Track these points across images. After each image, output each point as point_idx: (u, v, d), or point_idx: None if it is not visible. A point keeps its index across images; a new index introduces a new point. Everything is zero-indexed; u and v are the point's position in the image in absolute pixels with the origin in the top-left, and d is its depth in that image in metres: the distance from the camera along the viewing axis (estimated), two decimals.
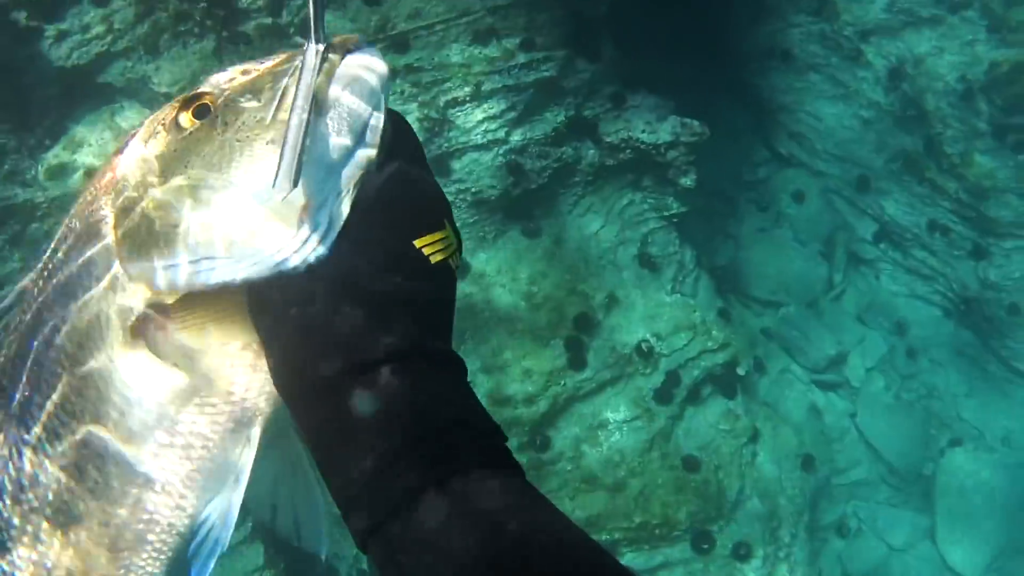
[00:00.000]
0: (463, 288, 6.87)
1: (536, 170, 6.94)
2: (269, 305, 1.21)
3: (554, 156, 6.98)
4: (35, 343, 1.42)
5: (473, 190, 6.78)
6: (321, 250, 1.19)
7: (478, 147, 6.73)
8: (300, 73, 1.23)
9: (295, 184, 1.16)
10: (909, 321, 9.26)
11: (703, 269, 7.93)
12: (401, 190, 1.26)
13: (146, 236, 1.29)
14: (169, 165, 1.31)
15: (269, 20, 6.13)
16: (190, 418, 1.35)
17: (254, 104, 1.29)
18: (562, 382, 6.72)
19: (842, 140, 9.19)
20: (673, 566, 6.96)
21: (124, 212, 1.33)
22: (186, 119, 1.34)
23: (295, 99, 1.20)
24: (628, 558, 6.71)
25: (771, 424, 7.69)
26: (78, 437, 1.38)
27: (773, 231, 9.20)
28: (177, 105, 1.36)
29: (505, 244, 7.05)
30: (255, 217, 1.21)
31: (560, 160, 7.01)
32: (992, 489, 8.75)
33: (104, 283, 1.35)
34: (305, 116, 1.19)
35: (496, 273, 6.92)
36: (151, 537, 1.40)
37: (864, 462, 8.66)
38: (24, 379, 1.42)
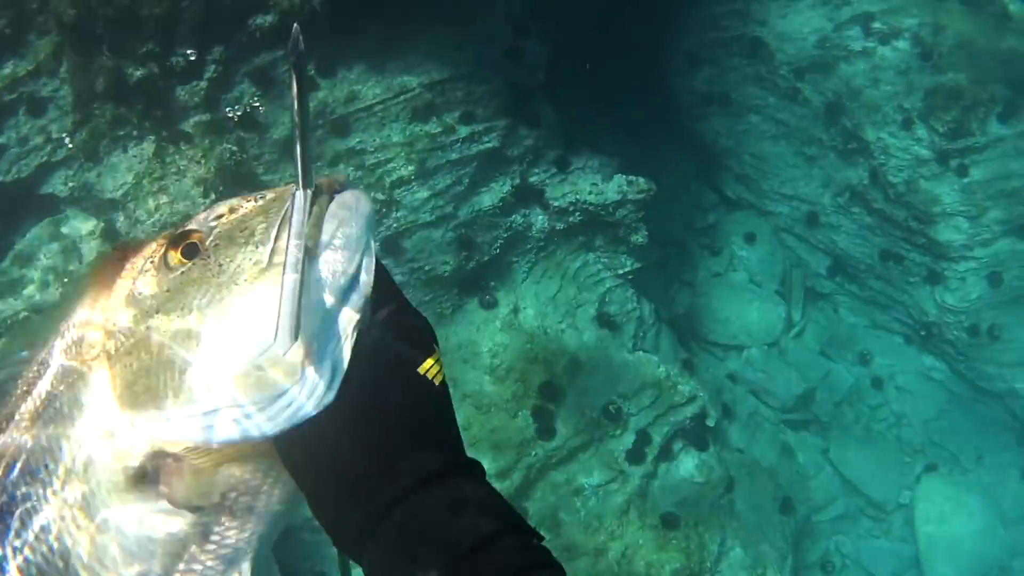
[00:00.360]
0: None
1: (487, 241, 6.95)
2: (300, 460, 1.24)
3: (504, 226, 7.00)
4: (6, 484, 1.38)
5: (426, 268, 6.75)
6: (329, 397, 1.20)
7: (427, 224, 6.71)
8: (291, 220, 1.23)
9: (295, 338, 1.17)
10: (872, 351, 9.35)
11: (663, 322, 7.94)
12: (396, 326, 1.29)
13: (149, 385, 1.26)
14: (164, 307, 1.29)
15: (207, 116, 6.11)
16: (178, 556, 1.33)
17: (249, 248, 1.28)
18: (533, 452, 6.67)
19: (788, 179, 9.29)
20: None
21: (119, 356, 1.30)
22: (174, 258, 1.32)
23: (288, 249, 1.21)
24: None
25: (745, 471, 7.68)
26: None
27: (728, 274, 9.26)
28: (164, 243, 1.35)
29: (463, 318, 7.03)
30: (261, 368, 1.20)
31: (510, 229, 7.04)
32: (972, 510, 8.81)
33: (95, 429, 1.32)
34: (300, 267, 1.19)
35: (457, 349, 6.88)
36: None
37: (841, 497, 8.69)
38: None
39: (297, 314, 1.17)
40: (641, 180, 7.18)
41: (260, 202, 1.35)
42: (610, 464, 6.91)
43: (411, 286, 6.85)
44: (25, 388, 1.43)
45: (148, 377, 1.26)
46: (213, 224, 1.35)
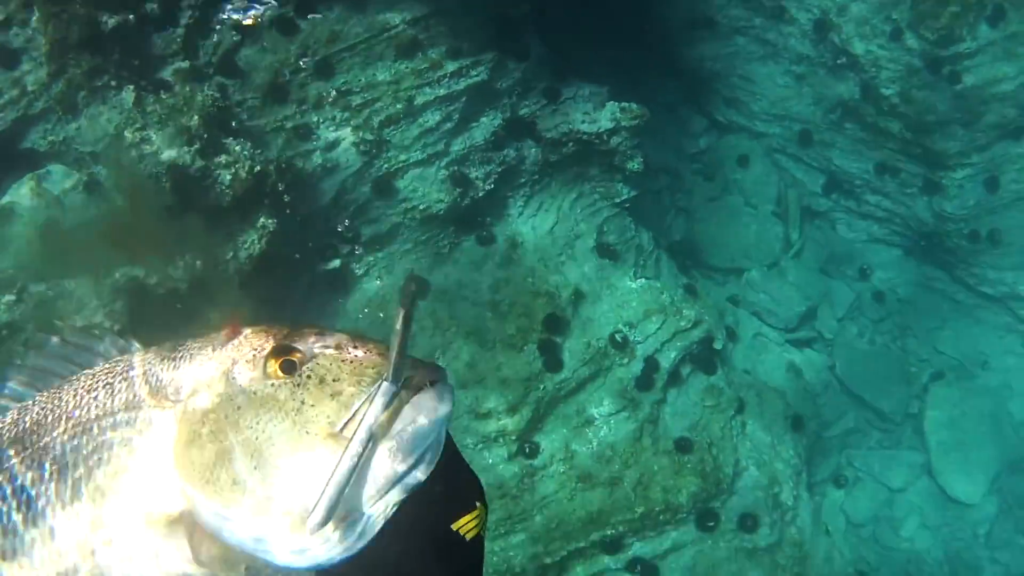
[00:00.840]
0: (425, 307, 6.83)
1: (481, 177, 6.85)
2: None
3: (497, 160, 6.90)
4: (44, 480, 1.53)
5: (421, 207, 6.67)
6: (350, 554, 1.34)
7: (419, 163, 6.62)
8: (369, 408, 1.34)
9: (325, 524, 1.31)
10: (872, 265, 9.33)
11: (662, 249, 7.88)
12: (444, 484, 1.43)
13: (205, 467, 1.39)
14: (245, 408, 1.42)
15: (186, 63, 5.98)
16: None
17: (330, 405, 1.39)
18: (541, 386, 6.65)
19: (778, 99, 9.18)
20: (682, 548, 6.92)
21: (191, 423, 1.44)
22: (272, 367, 1.45)
23: (357, 434, 1.32)
24: (636, 548, 6.71)
25: (754, 391, 7.69)
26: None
27: (724, 199, 9.19)
28: (270, 346, 1.47)
29: (461, 256, 6.96)
30: (286, 514, 1.33)
31: (503, 163, 6.93)
32: (980, 414, 8.90)
33: (149, 463, 1.47)
34: (357, 457, 1.32)
35: (458, 287, 6.84)
36: None
37: (850, 411, 8.73)
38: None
39: (336, 502, 1.30)
40: (634, 106, 7.07)
41: (363, 355, 1.46)
42: (620, 393, 6.89)
43: (406, 227, 6.78)
44: (92, 383, 1.58)
45: (207, 460, 1.40)
46: (317, 351, 1.47)
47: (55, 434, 1.52)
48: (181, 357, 1.56)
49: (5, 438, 1.60)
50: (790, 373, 8.39)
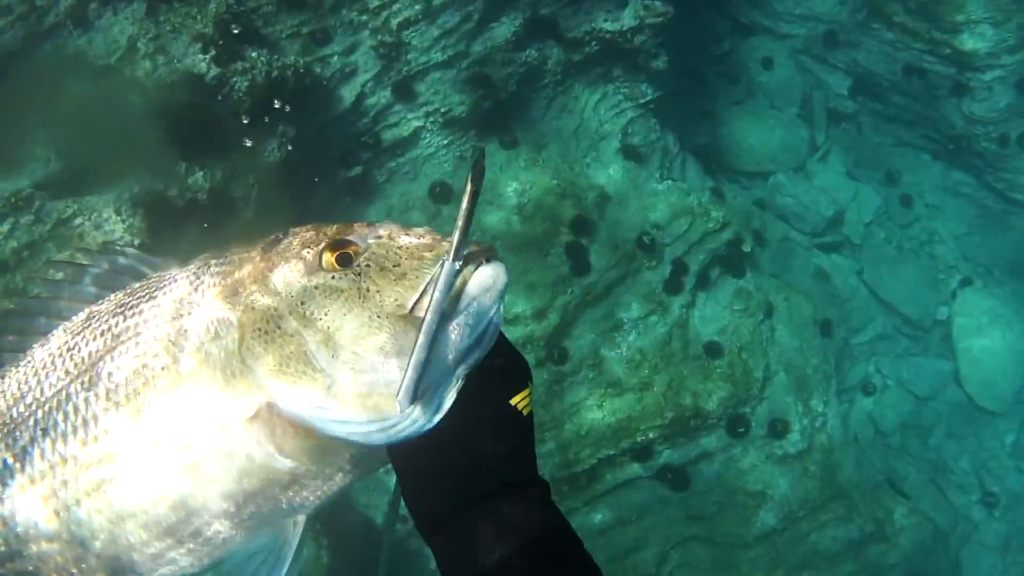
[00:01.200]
0: (449, 213, 6.87)
1: (503, 79, 6.80)
2: (403, 458, 1.53)
3: (519, 61, 6.84)
4: (113, 374, 1.65)
5: (442, 110, 6.63)
6: (430, 426, 1.46)
7: (439, 65, 6.57)
8: (435, 288, 1.41)
9: (414, 399, 1.41)
10: (899, 169, 9.30)
11: (687, 151, 7.85)
12: (500, 363, 1.56)
13: (282, 356, 1.50)
14: (308, 300, 1.52)
15: None
16: (263, 495, 1.61)
17: (396, 288, 1.49)
18: (569, 290, 6.68)
19: None
20: (713, 455, 7.03)
21: (256, 321, 1.55)
22: (329, 260, 1.54)
23: (428, 314, 1.40)
24: (665, 455, 6.83)
25: (783, 295, 7.68)
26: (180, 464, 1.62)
27: (748, 102, 9.15)
28: (323, 240, 1.57)
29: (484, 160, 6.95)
30: (378, 398, 1.43)
31: (525, 64, 6.88)
32: (1008, 322, 8.99)
33: (225, 364, 1.57)
34: (432, 334, 1.40)
35: (480, 190, 6.87)
36: (204, 543, 1.67)
37: (879, 317, 8.78)
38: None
39: (419, 380, 1.40)
40: (658, 3, 6.96)
41: (417, 240, 1.54)
42: (648, 296, 6.92)
43: (427, 131, 6.77)
44: (143, 297, 1.69)
45: (282, 355, 1.50)
46: (371, 242, 1.56)
47: (116, 351, 1.63)
48: (232, 262, 1.66)
49: (60, 359, 1.69)
50: (818, 278, 8.42)
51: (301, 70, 5.97)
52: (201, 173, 5.61)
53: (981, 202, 9.22)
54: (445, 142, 6.80)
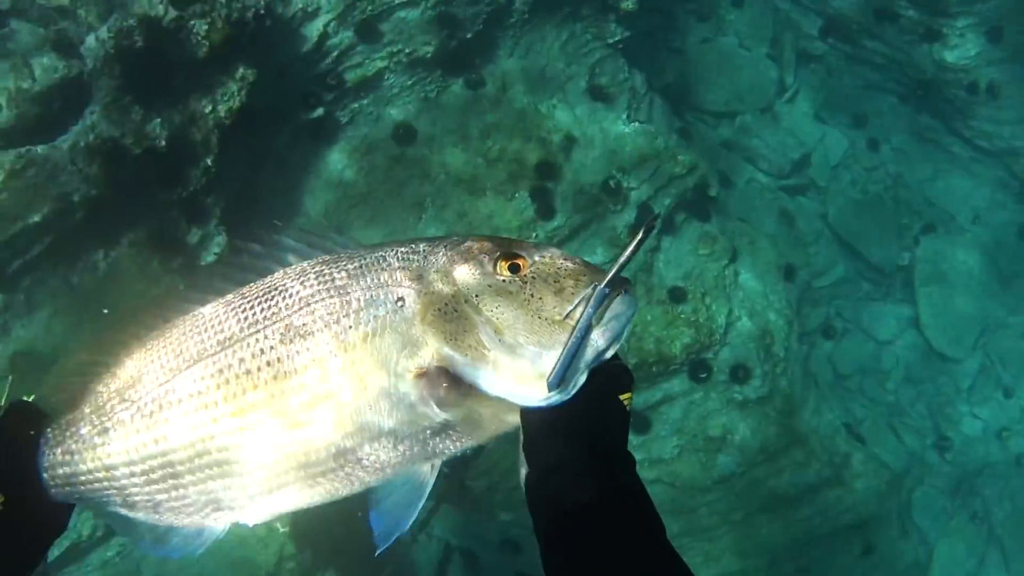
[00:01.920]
0: (413, 154, 7.08)
1: (469, 17, 6.90)
2: (534, 425, 2.01)
3: (485, 0, 6.95)
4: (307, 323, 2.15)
5: (407, 51, 6.75)
6: (559, 402, 1.94)
7: (404, 4, 6.68)
8: (590, 302, 1.93)
9: (559, 384, 1.90)
10: (867, 112, 9.56)
11: (655, 91, 7.99)
12: (613, 369, 2.02)
13: (457, 332, 2.00)
14: (482, 296, 2.02)
15: None
16: (415, 437, 2.11)
17: (556, 298, 1.99)
18: (534, 235, 6.87)
19: None
20: (673, 399, 7.31)
21: (438, 302, 2.05)
22: (502, 267, 2.05)
23: (580, 321, 1.92)
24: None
25: (747, 239, 7.95)
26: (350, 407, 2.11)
27: (717, 40, 9.30)
28: (497, 250, 2.07)
29: (450, 100, 7.06)
30: (530, 380, 1.93)
31: (492, 3, 6.97)
32: (969, 269, 9.40)
33: (403, 332, 2.06)
34: (582, 339, 1.91)
35: (445, 132, 6.96)
36: (361, 470, 2.17)
37: (841, 261, 9.08)
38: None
39: (567, 369, 1.90)
40: None
41: (574, 265, 2.05)
42: (613, 241, 7.11)
43: (392, 72, 6.86)
44: (344, 265, 2.17)
45: (457, 330, 2.00)
46: (537, 259, 2.06)
47: (317, 304, 2.12)
48: (419, 252, 2.14)
49: (272, 305, 2.18)
50: (782, 221, 8.75)
51: (262, 11, 6.00)
52: (159, 120, 5.68)
53: (948, 148, 9.55)
54: (410, 83, 6.94)
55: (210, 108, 5.94)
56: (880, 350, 9.15)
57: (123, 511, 2.30)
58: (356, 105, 6.93)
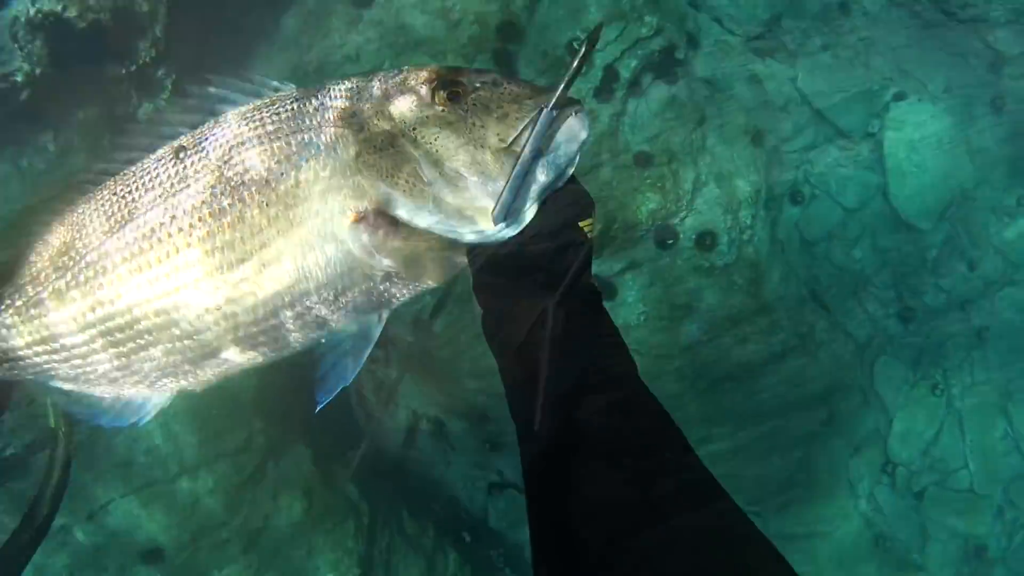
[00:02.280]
0: (371, 16, 6.93)
1: None
2: (480, 262, 1.98)
3: None
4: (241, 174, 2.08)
5: None
6: (509, 235, 1.94)
7: None
8: (535, 126, 1.89)
9: (504, 218, 1.90)
10: None
11: None
12: (572, 196, 2.02)
13: (394, 169, 1.95)
14: (420, 128, 1.97)
15: None
16: (359, 288, 2.07)
17: (499, 125, 1.93)
18: None
19: None
20: (640, 267, 7.40)
21: (376, 143, 1.98)
22: (440, 98, 1.98)
23: (526, 148, 1.89)
24: (592, 267, 7.23)
25: (715, 103, 7.93)
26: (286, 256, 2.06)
27: None
28: (433, 79, 2.00)
29: None
30: (473, 212, 1.92)
31: None
32: (939, 139, 9.44)
33: (339, 174, 2.00)
34: (527, 166, 1.89)
35: None
36: (304, 324, 2.14)
37: (810, 126, 9.07)
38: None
39: (512, 201, 1.88)
40: None
41: (519, 89, 1.99)
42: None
43: None
44: (271, 112, 2.10)
45: (395, 166, 1.95)
46: (477, 86, 1.99)
47: (248, 152, 2.06)
48: (351, 90, 2.08)
49: (196, 161, 2.10)
50: (752, 83, 8.69)
51: None
52: None
53: (920, 14, 9.46)
54: None
55: None
56: (847, 217, 9.24)
57: (65, 385, 2.26)
58: None
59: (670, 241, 7.42)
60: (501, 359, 1.94)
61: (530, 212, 1.93)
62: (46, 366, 2.26)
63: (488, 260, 1.97)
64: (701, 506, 1.65)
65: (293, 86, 2.15)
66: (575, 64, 1.89)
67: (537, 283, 1.92)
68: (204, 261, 2.05)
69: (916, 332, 9.59)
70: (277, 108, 2.09)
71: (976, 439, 9.88)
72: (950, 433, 9.84)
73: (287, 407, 6.62)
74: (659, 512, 1.63)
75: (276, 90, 2.14)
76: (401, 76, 2.04)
